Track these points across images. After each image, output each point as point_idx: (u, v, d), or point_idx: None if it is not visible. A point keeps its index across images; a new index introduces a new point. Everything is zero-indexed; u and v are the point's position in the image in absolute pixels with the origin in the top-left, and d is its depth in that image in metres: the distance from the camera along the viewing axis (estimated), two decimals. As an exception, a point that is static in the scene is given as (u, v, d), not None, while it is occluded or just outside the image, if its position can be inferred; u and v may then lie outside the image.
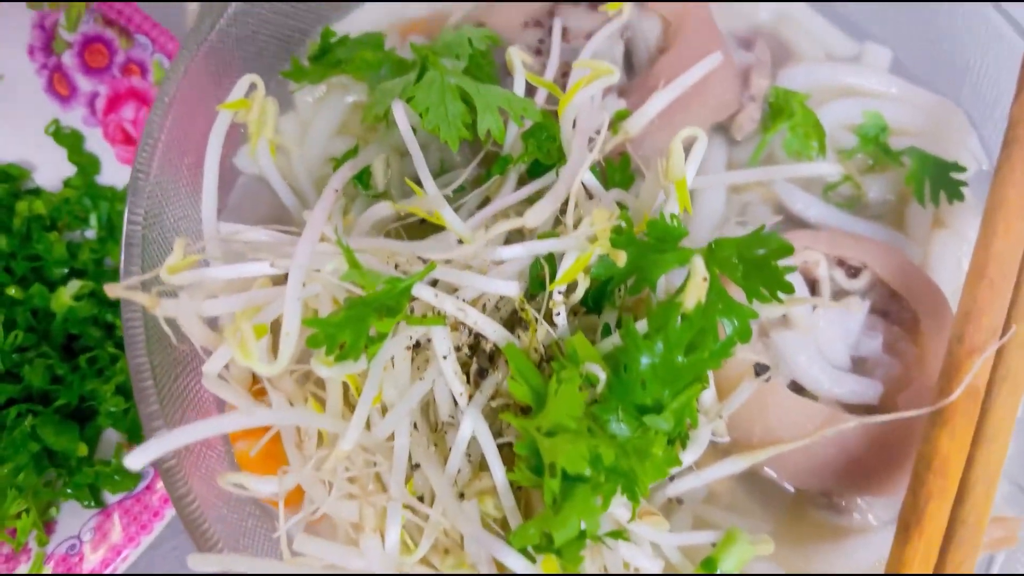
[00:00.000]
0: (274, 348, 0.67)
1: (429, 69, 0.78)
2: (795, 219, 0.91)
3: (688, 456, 0.72)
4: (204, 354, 0.69)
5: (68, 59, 1.08)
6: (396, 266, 0.70)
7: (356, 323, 0.63)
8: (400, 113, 0.74)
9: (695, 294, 0.63)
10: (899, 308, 0.84)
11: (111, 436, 0.96)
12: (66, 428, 0.90)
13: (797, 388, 0.80)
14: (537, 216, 0.70)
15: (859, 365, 0.82)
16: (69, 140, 1.08)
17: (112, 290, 0.62)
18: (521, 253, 0.69)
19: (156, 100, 0.76)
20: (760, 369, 0.74)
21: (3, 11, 1.08)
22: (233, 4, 0.82)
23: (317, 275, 0.67)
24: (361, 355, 0.63)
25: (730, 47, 0.95)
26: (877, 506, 0.81)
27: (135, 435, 0.94)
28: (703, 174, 0.81)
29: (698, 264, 0.63)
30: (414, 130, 0.76)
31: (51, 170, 1.10)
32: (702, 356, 0.63)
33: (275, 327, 0.67)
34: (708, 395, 0.75)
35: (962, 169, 0.91)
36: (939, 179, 0.90)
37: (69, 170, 1.09)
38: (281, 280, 0.71)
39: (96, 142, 1.10)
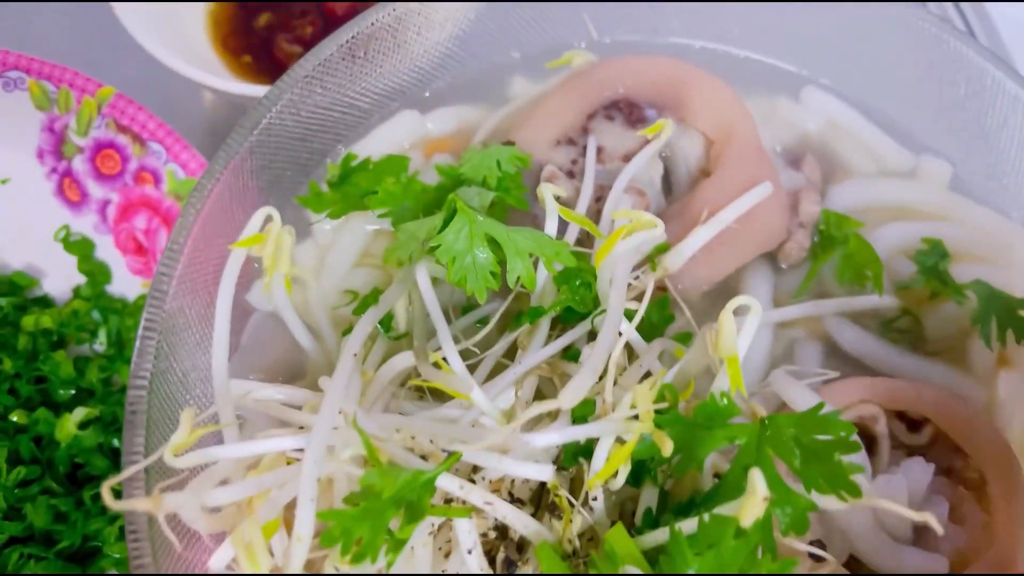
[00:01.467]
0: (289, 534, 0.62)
1: (456, 215, 0.72)
2: (846, 357, 0.85)
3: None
4: (209, 543, 0.64)
5: (79, 164, 1.04)
6: (418, 451, 0.64)
7: (374, 517, 0.58)
8: (424, 277, 0.69)
9: (753, 513, 0.57)
10: (963, 466, 0.78)
11: (116, 576, 0.91)
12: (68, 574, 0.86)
13: (854, 562, 0.73)
14: (573, 398, 0.64)
15: (922, 535, 0.75)
16: (79, 248, 1.04)
17: (109, 501, 0.57)
18: (556, 441, 0.63)
19: (166, 250, 0.71)
20: (817, 558, 0.67)
21: (10, 111, 1.04)
22: (250, 139, 0.76)
23: (333, 458, 0.62)
24: (379, 555, 0.58)
25: (778, 166, 0.89)
26: None
27: (140, 580, 0.89)
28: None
29: (758, 483, 0.57)
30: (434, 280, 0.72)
31: (59, 277, 1.06)
32: (759, 572, 0.57)
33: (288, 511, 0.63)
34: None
35: None
36: (1006, 316, 0.83)
37: (78, 278, 1.05)
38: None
39: (107, 250, 1.06)
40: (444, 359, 0.67)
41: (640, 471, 0.68)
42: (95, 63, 1.07)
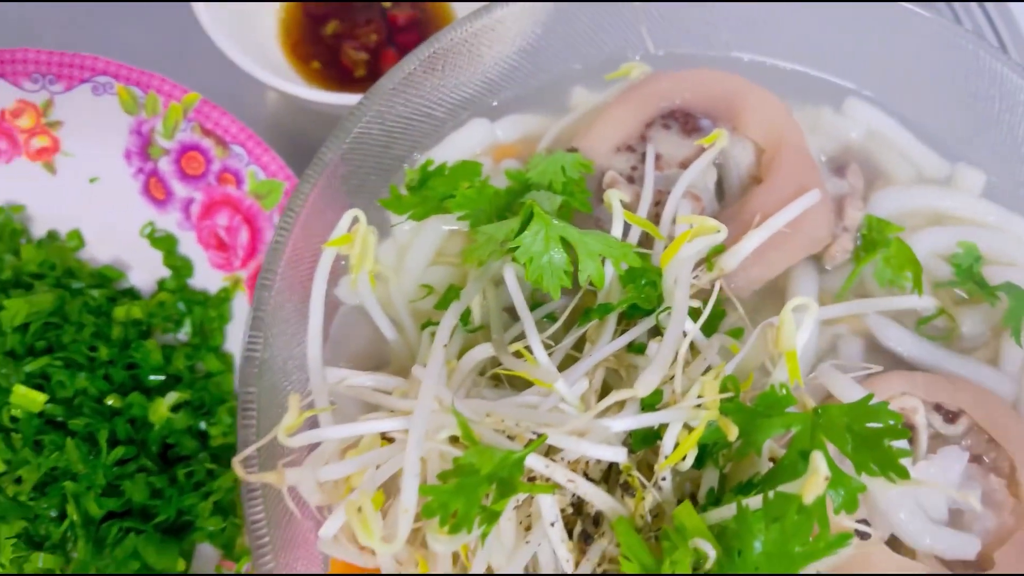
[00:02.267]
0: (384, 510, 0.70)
1: (533, 219, 0.78)
2: (887, 352, 0.91)
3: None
4: (318, 515, 0.71)
5: (165, 165, 1.11)
6: (504, 428, 0.71)
7: (469, 492, 0.64)
8: (512, 277, 0.76)
9: (814, 491, 0.63)
10: (996, 455, 0.84)
11: (206, 550, 0.98)
12: (167, 547, 0.93)
13: (894, 541, 0.80)
14: (647, 386, 0.70)
15: (956, 517, 0.81)
16: (164, 244, 1.11)
17: (241, 473, 0.64)
18: (630, 426, 0.70)
19: (268, 250, 0.78)
20: (863, 535, 0.74)
21: (99, 114, 1.11)
22: (340, 149, 0.83)
23: (429, 439, 0.68)
24: (473, 526, 0.65)
25: (823, 174, 0.95)
26: None
27: (230, 551, 0.96)
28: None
29: (819, 463, 0.63)
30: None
31: (144, 270, 1.13)
32: (819, 546, 0.63)
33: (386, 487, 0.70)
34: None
35: None
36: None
37: (161, 271, 1.12)
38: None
39: (189, 246, 1.13)
40: (527, 349, 0.74)
41: (703, 455, 0.75)
42: (170, 66, 1.15)
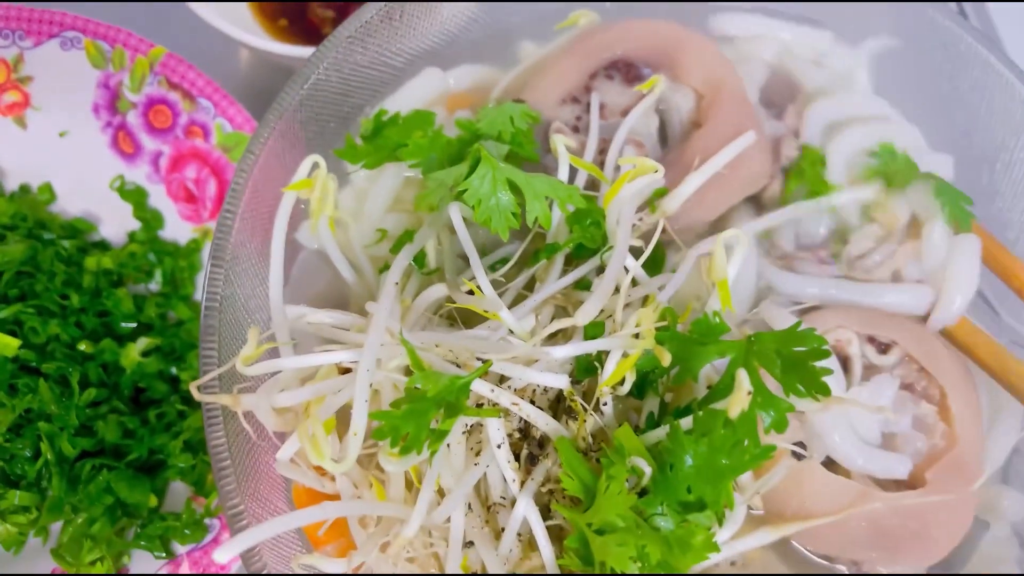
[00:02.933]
0: (339, 430, 0.74)
1: (481, 162, 0.82)
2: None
3: (724, 534, 0.77)
4: (275, 440, 0.75)
5: (133, 118, 1.14)
6: (452, 357, 0.75)
7: (418, 416, 0.69)
8: (456, 217, 0.79)
9: (739, 406, 0.68)
10: (927, 384, 0.88)
11: (178, 487, 1.02)
12: (138, 482, 0.97)
13: (830, 463, 0.84)
14: (587, 315, 0.74)
15: (889, 441, 0.86)
16: (134, 196, 1.14)
17: (198, 393, 0.68)
18: (571, 352, 0.74)
19: (229, 190, 0.81)
20: (798, 453, 0.79)
21: (67, 69, 1.13)
22: (300, 93, 0.86)
23: (381, 369, 0.72)
24: (423, 447, 0.69)
25: (761, 118, 0.98)
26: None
27: (201, 488, 1.00)
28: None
29: (743, 379, 0.67)
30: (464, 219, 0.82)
31: (115, 223, 1.17)
32: (744, 459, 0.68)
33: (339, 414, 0.74)
34: (745, 475, 0.80)
35: (969, 201, 0.93)
36: (955, 208, 0.93)
37: (132, 223, 1.15)
38: (344, 367, 0.77)
39: (159, 199, 1.16)
40: (476, 286, 0.78)
41: (643, 384, 0.79)
42: (141, 25, 1.16)
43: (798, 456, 0.80)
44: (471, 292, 0.79)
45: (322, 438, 0.69)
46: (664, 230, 0.90)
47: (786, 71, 1.05)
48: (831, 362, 0.86)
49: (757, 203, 0.97)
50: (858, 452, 0.83)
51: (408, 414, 0.68)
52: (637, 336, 0.74)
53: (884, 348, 0.89)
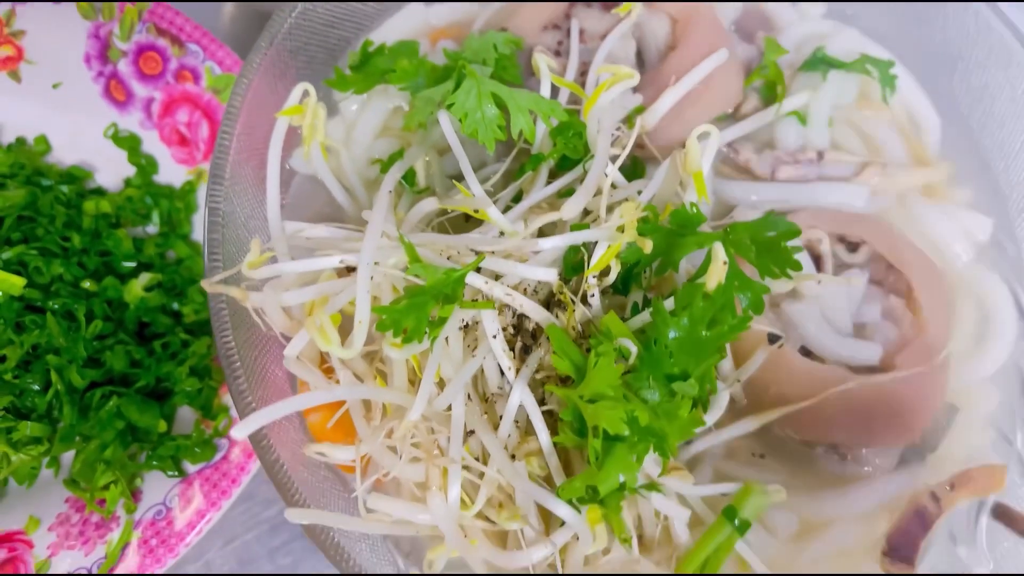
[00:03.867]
0: (343, 332, 0.78)
1: (466, 78, 0.86)
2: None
3: (709, 417, 0.82)
4: (283, 339, 0.79)
5: (123, 67, 1.17)
6: (448, 257, 0.79)
7: (418, 309, 0.73)
8: (446, 121, 0.83)
9: (716, 276, 0.72)
10: (895, 279, 0.93)
11: (185, 412, 1.06)
12: (148, 407, 1.01)
13: (806, 353, 0.89)
14: (571, 209, 0.79)
15: (860, 331, 0.91)
16: (128, 143, 1.17)
17: (209, 285, 0.72)
18: (559, 244, 0.78)
19: (225, 115, 0.85)
20: (773, 338, 0.83)
21: (58, 22, 1.16)
22: (289, 20, 0.90)
23: (380, 268, 0.76)
24: (424, 337, 0.73)
25: (733, 41, 1.03)
26: (878, 455, 0.90)
27: (209, 411, 1.04)
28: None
29: (718, 251, 0.72)
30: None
31: (110, 171, 1.20)
32: (723, 329, 0.72)
33: (342, 313, 0.78)
34: (726, 364, 0.85)
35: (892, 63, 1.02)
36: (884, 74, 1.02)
37: (128, 170, 1.19)
38: (344, 272, 0.81)
39: (153, 144, 1.19)
40: (466, 188, 0.82)
41: (628, 279, 0.83)
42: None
43: (773, 338, 0.85)
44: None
45: (329, 327, 0.73)
46: (643, 146, 0.95)
47: (761, 8, 1.11)
48: (805, 261, 0.91)
49: (732, 119, 1.02)
50: (831, 340, 0.88)
51: (408, 307, 0.73)
52: (622, 230, 0.79)
53: (854, 247, 0.94)
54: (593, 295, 0.80)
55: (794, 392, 0.85)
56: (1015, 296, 0.96)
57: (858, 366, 0.88)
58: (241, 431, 0.68)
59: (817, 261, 0.92)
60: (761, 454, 0.90)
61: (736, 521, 0.80)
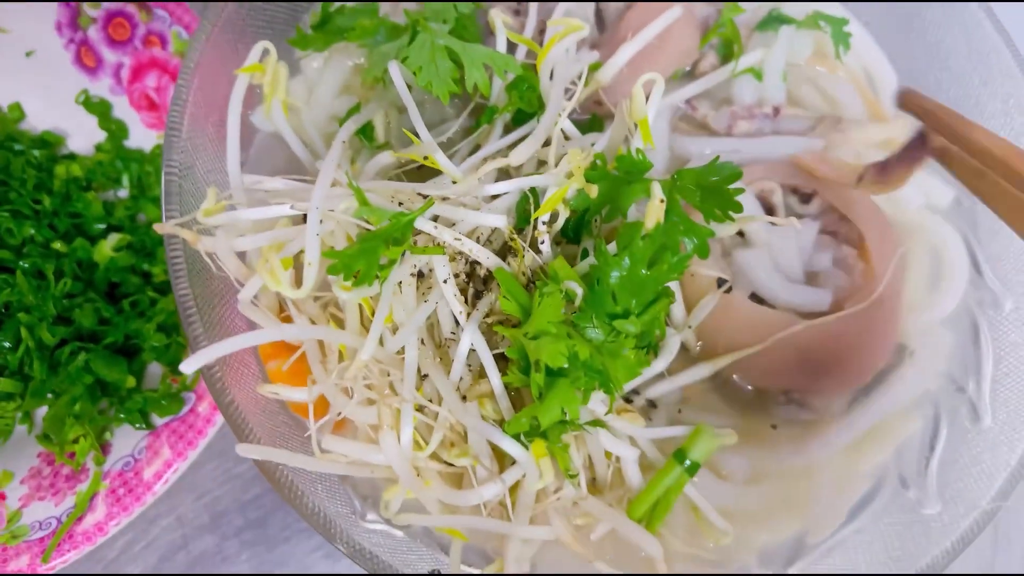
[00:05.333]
0: (297, 279, 0.79)
1: (420, 32, 0.88)
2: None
3: (659, 363, 0.83)
4: (237, 285, 0.81)
5: (93, 33, 1.18)
6: (400, 204, 0.81)
7: (368, 254, 0.75)
8: (396, 73, 0.85)
9: (654, 215, 0.74)
10: (847, 229, 0.94)
11: (155, 369, 1.08)
12: (116, 362, 1.02)
13: (757, 300, 0.90)
14: (520, 155, 0.81)
15: (813, 279, 0.92)
16: (98, 108, 1.19)
17: (161, 228, 0.74)
18: (508, 188, 0.80)
19: (182, 67, 0.87)
20: (721, 283, 0.85)
21: (30, -11, 1.18)
22: (247, -21, 0.92)
23: (332, 214, 0.78)
24: (374, 281, 0.75)
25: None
26: (831, 400, 0.92)
27: (176, 367, 1.06)
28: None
29: (656, 189, 0.74)
30: (409, 88, 0.87)
31: (82, 136, 1.21)
32: (662, 269, 0.74)
33: (296, 261, 0.80)
34: (677, 309, 0.87)
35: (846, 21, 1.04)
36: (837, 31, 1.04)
37: (99, 136, 1.20)
38: (300, 220, 0.82)
39: (123, 109, 1.21)
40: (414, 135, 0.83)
41: (579, 227, 0.85)
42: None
43: (722, 282, 0.87)
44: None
45: (279, 269, 0.75)
46: (602, 103, 0.97)
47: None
48: (756, 209, 0.93)
49: (691, 77, 1.04)
50: (781, 287, 0.90)
51: (359, 252, 0.74)
52: (570, 176, 0.81)
53: (806, 198, 0.95)
54: (543, 242, 0.82)
55: (744, 338, 0.87)
56: (968, 245, 0.98)
57: (808, 312, 0.90)
58: (191, 365, 0.70)
59: (770, 212, 0.94)
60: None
61: (686, 463, 0.82)
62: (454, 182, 0.83)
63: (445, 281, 0.79)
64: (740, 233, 0.92)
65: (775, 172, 0.95)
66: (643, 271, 0.74)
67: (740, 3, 1.04)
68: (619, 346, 0.75)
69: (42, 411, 1.06)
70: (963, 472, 0.89)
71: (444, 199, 0.81)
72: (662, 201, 0.74)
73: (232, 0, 0.94)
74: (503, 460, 0.80)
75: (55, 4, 1.17)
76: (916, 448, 0.92)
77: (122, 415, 1.02)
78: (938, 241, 0.96)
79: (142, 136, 1.20)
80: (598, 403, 0.78)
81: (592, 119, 0.99)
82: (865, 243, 0.93)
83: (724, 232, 0.80)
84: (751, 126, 0.99)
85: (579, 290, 0.76)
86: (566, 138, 0.89)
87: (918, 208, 0.99)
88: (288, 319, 0.84)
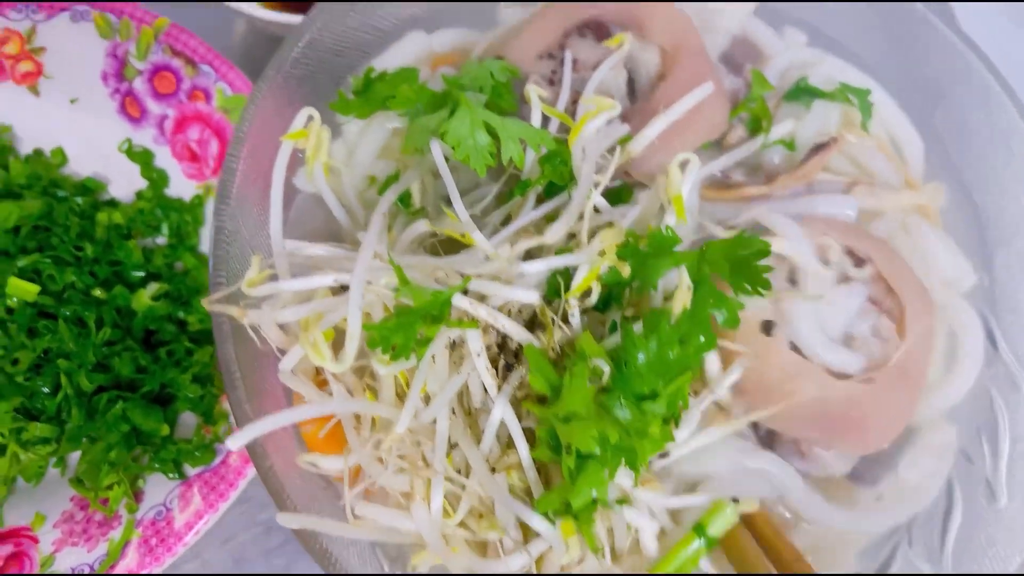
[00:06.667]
0: (335, 348, 0.82)
1: (460, 107, 0.91)
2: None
3: (682, 434, 0.86)
4: (278, 354, 0.84)
5: (139, 85, 1.22)
6: (436, 279, 0.84)
7: (406, 328, 0.77)
8: (437, 151, 0.88)
9: (681, 301, 0.77)
10: (891, 301, 0.96)
11: (187, 418, 1.11)
12: (152, 411, 1.05)
13: (794, 350, 0.92)
14: (554, 234, 0.83)
15: (848, 341, 0.93)
16: (141, 157, 1.23)
17: (210, 305, 0.77)
18: (542, 268, 0.83)
19: (233, 137, 0.90)
20: (767, 326, 0.88)
21: (78, 40, 1.22)
22: (296, 49, 0.95)
23: (372, 287, 0.81)
24: (411, 354, 0.78)
25: (720, 73, 1.07)
26: (835, 459, 0.94)
27: (210, 417, 1.09)
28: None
29: (684, 277, 0.77)
30: (447, 159, 0.90)
31: (123, 183, 1.25)
32: (689, 352, 0.77)
33: (335, 330, 0.82)
34: (713, 364, 0.89)
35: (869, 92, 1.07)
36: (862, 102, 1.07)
37: (139, 183, 1.24)
38: (338, 290, 0.85)
39: (165, 159, 1.24)
40: (454, 214, 0.86)
41: (609, 299, 0.88)
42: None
43: (767, 329, 0.90)
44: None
45: (322, 343, 0.78)
46: (631, 173, 0.99)
47: (749, 38, 1.15)
48: (814, 260, 0.94)
49: (717, 149, 1.06)
50: (821, 343, 0.91)
51: (397, 326, 0.77)
52: (603, 254, 0.83)
53: (860, 262, 0.96)
54: (573, 315, 0.85)
55: (774, 380, 0.89)
56: (985, 323, 1.00)
57: (837, 372, 0.91)
58: (236, 442, 0.73)
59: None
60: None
61: (704, 538, 0.84)
62: (487, 256, 0.85)
63: (478, 355, 0.82)
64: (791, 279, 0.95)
65: (834, 228, 0.97)
66: (670, 354, 0.76)
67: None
68: (645, 424, 0.77)
69: (75, 455, 1.09)
70: (978, 553, 0.91)
71: (479, 275, 0.83)
72: (689, 288, 0.76)
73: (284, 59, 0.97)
74: (529, 529, 0.82)
75: (103, 55, 1.21)
76: (930, 522, 0.94)
77: (156, 464, 1.04)
78: (957, 325, 0.98)
79: (182, 185, 1.24)
80: (623, 477, 0.80)
81: (620, 187, 1.01)
82: (904, 318, 0.95)
83: (752, 304, 0.83)
84: (788, 192, 1.01)
85: (606, 368, 0.78)
86: (596, 211, 0.91)
87: (943, 285, 1.01)
88: (323, 382, 0.87)
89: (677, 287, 0.78)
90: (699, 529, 0.84)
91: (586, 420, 0.74)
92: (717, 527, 0.84)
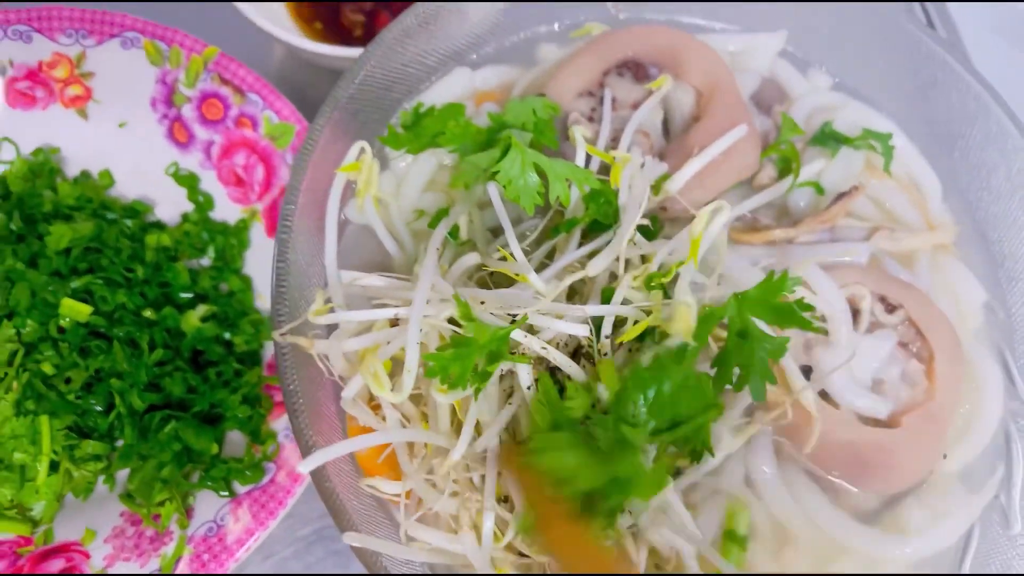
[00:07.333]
0: (392, 375, 0.86)
1: (511, 148, 0.95)
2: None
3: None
4: (340, 382, 0.88)
5: (187, 111, 1.26)
6: (483, 303, 0.87)
7: (463, 359, 0.81)
8: (495, 193, 0.92)
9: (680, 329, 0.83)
10: (921, 346, 1.00)
11: (235, 436, 1.15)
12: (203, 431, 1.09)
13: (823, 395, 0.96)
14: (597, 267, 0.88)
15: (877, 386, 0.98)
16: (187, 181, 1.27)
17: (280, 336, 0.81)
18: (591, 312, 0.87)
19: (293, 171, 0.94)
20: (806, 371, 0.93)
21: (128, 66, 1.26)
22: (351, 88, 0.99)
23: (429, 319, 0.85)
24: (467, 384, 0.82)
25: (752, 114, 1.12)
26: (859, 498, 0.98)
27: (257, 436, 1.13)
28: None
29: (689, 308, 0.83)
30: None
31: (168, 206, 1.29)
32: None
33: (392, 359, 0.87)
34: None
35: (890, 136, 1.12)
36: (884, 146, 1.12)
37: (185, 206, 1.28)
38: (395, 320, 0.90)
39: (211, 183, 1.29)
40: (509, 253, 0.90)
41: (644, 335, 0.92)
42: (190, 27, 1.29)
43: (807, 373, 0.95)
44: (503, 259, 0.92)
45: (382, 374, 0.82)
46: (666, 208, 1.04)
47: (776, 79, 1.20)
48: (845, 311, 0.98)
49: (748, 187, 1.11)
50: (850, 390, 0.96)
51: (455, 356, 0.81)
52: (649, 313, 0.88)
53: (891, 309, 1.01)
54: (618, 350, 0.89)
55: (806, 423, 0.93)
56: (1002, 356, 1.05)
57: (865, 417, 0.96)
58: (306, 467, 0.77)
59: (855, 315, 0.99)
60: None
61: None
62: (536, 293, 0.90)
63: (528, 387, 0.86)
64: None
65: (868, 277, 1.01)
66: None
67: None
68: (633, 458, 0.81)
69: (123, 471, 1.13)
70: (995, 578, 0.96)
71: (532, 309, 0.88)
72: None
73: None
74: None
75: (152, 81, 1.25)
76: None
77: (208, 482, 1.08)
78: (979, 376, 1.03)
79: (227, 209, 1.28)
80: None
81: (654, 222, 1.05)
82: (934, 364, 0.99)
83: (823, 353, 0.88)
84: (812, 236, 1.06)
85: (604, 393, 0.83)
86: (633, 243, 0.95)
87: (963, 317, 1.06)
88: (376, 407, 0.91)
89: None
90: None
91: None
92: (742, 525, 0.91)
